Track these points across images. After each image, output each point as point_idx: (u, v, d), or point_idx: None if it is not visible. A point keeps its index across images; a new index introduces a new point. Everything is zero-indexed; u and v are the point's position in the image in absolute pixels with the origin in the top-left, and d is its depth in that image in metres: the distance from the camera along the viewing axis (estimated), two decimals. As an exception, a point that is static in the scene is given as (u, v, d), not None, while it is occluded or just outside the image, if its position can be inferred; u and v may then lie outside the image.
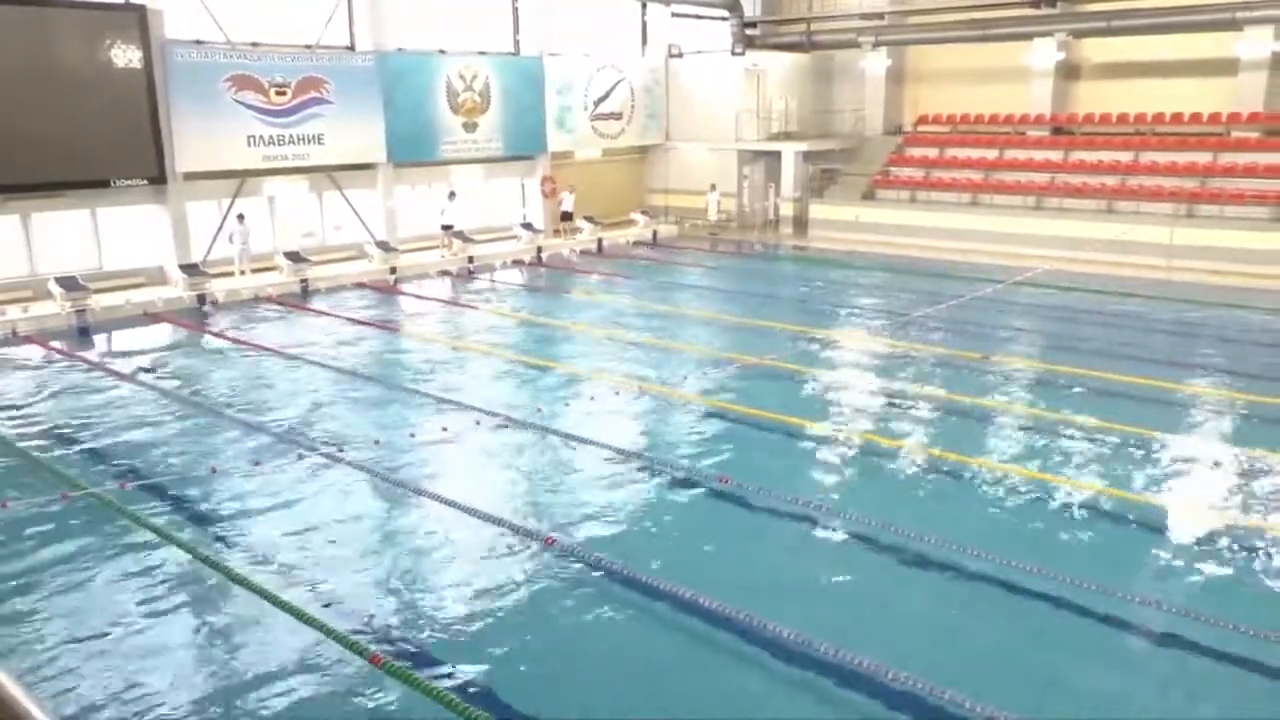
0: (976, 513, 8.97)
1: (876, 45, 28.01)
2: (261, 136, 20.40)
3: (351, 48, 22.09)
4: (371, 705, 6.05)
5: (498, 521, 8.57)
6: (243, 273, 20.08)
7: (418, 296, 19.57)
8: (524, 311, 18.33)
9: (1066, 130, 25.99)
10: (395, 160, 22.85)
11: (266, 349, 15.18)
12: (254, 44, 20.34)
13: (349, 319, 17.42)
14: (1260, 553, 8.06)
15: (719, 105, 28.35)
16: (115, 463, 10.28)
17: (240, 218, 20.20)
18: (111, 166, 18.51)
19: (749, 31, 28.18)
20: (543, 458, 10.52)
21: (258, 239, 20.70)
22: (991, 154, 26.18)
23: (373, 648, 6.53)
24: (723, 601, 6.98)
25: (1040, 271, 21.13)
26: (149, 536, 8.33)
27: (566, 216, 25.78)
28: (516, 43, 25.66)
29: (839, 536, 8.46)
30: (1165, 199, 22.39)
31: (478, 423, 11.40)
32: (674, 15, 28.62)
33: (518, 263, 23.52)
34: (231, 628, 6.98)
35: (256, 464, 10.07)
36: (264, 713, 6.00)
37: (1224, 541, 8.28)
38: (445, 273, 22.13)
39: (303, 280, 19.95)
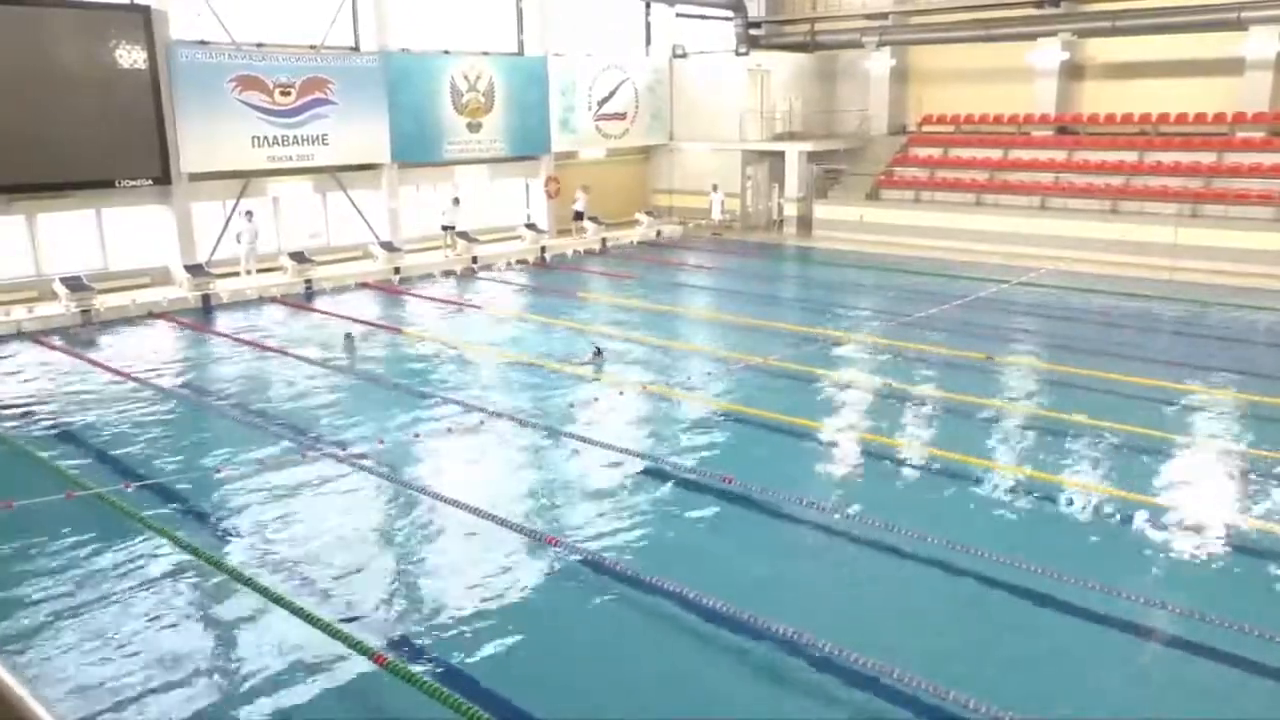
0: (980, 513, 8.95)
1: (880, 45, 27.99)
2: (266, 137, 20.43)
3: (356, 48, 22.12)
4: (375, 705, 6.06)
5: (501, 521, 8.57)
6: (249, 272, 20.10)
7: (422, 297, 19.59)
8: (527, 311, 18.33)
9: (1071, 130, 25.95)
10: (399, 161, 22.86)
11: (270, 349, 15.20)
12: (259, 44, 20.39)
13: (353, 319, 17.42)
14: (1264, 554, 8.05)
15: (723, 105, 28.36)
16: (119, 463, 10.30)
17: (248, 215, 20.23)
18: (116, 167, 18.54)
19: (753, 31, 28.15)
20: (546, 457, 10.53)
21: (263, 240, 20.74)
22: (996, 154, 26.14)
23: (376, 647, 6.54)
24: (726, 601, 6.98)
25: (1045, 271, 21.09)
26: (153, 537, 8.34)
27: (579, 216, 25.79)
28: (520, 43, 25.68)
29: (843, 537, 8.45)
30: (1170, 199, 22.35)
31: (481, 423, 11.41)
32: (678, 15, 28.61)
33: (522, 263, 23.54)
34: (235, 627, 6.99)
35: (260, 464, 10.09)
36: (267, 713, 6.00)
37: (1228, 542, 8.26)
38: (449, 273, 22.15)
39: (307, 281, 19.98)
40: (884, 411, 12.07)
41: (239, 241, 20.14)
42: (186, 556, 8.00)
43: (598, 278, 21.87)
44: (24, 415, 12.02)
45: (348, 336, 15.69)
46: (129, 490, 9.35)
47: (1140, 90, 24.90)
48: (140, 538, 8.35)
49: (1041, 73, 25.93)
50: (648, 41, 29.26)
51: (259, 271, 20.21)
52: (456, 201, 23.16)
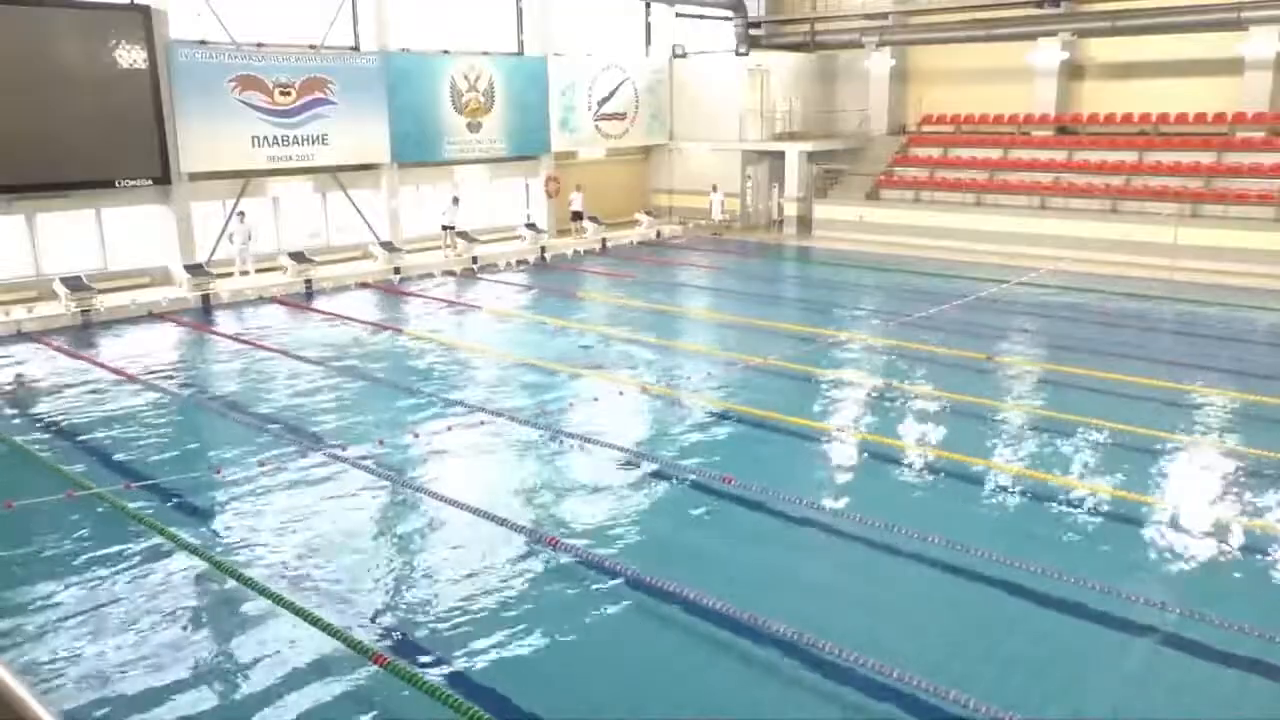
0: (980, 513, 8.96)
1: (880, 45, 28.01)
2: (266, 137, 20.43)
3: (356, 48, 22.12)
4: (375, 706, 6.06)
5: (501, 521, 8.57)
6: (245, 273, 20.11)
7: (422, 297, 19.59)
8: (528, 311, 18.34)
9: (1071, 130, 25.96)
10: (399, 160, 22.87)
11: (270, 349, 15.20)
12: (259, 44, 20.38)
13: (353, 319, 17.44)
14: (1264, 554, 8.05)
15: (723, 105, 28.36)
16: (120, 462, 10.30)
17: (240, 215, 20.22)
18: (116, 167, 18.54)
19: (753, 31, 28.15)
20: (546, 457, 10.52)
21: (263, 240, 20.77)
22: (996, 154, 26.15)
23: (376, 648, 6.54)
24: (725, 601, 6.98)
25: (1044, 271, 21.10)
26: (153, 536, 8.34)
27: (576, 216, 25.81)
28: (520, 43, 25.68)
29: (843, 537, 8.45)
30: (1170, 199, 22.35)
31: (481, 422, 11.41)
32: (678, 15, 28.61)
33: (522, 263, 23.54)
34: (235, 628, 6.99)
35: (260, 464, 10.09)
36: (267, 713, 6.00)
37: (1228, 542, 8.26)
38: (450, 273, 22.16)
39: (307, 280, 19.99)
40: (884, 411, 12.07)
41: (232, 242, 20.14)
42: (186, 556, 8.00)
43: (598, 278, 21.87)
44: (23, 415, 12.02)
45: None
46: (129, 490, 9.35)
47: (1140, 90, 24.91)
48: (140, 537, 8.36)
49: (1041, 72, 25.93)
50: (648, 41, 29.27)
51: (257, 271, 20.21)
52: (456, 201, 23.15)
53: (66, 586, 7.56)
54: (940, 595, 7.46)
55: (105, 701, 6.11)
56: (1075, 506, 9.00)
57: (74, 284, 17.24)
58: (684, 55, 29.55)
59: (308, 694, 6.17)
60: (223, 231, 20.44)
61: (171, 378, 13.78)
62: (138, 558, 8.02)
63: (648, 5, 28.29)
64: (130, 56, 18.38)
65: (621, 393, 12.64)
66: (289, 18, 21.06)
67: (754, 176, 29.12)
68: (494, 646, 6.72)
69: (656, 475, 9.85)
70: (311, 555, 8.12)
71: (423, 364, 14.37)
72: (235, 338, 16.11)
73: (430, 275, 21.77)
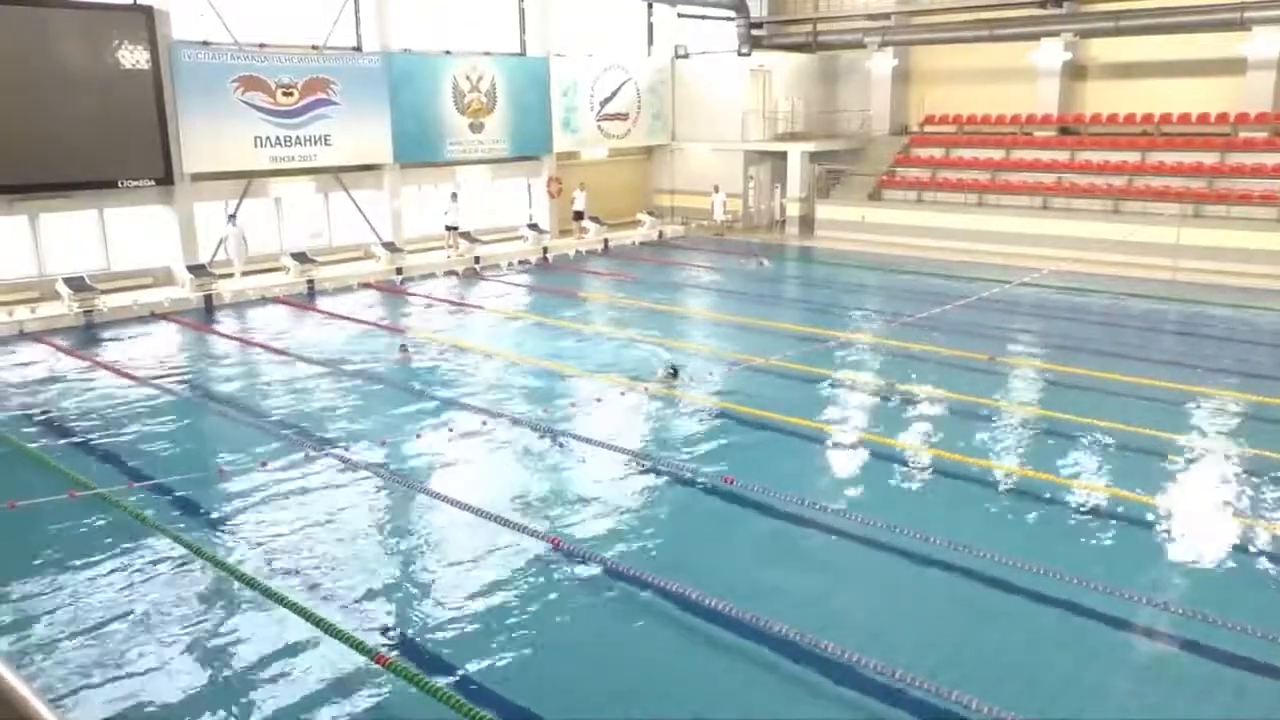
0: (982, 514, 8.95)
1: (882, 45, 28.01)
2: (268, 137, 20.45)
3: (358, 48, 22.15)
4: (376, 705, 6.07)
5: (503, 522, 8.59)
6: (238, 274, 20.07)
7: (424, 297, 19.61)
8: (530, 312, 18.35)
9: (1073, 130, 25.94)
10: (401, 161, 22.89)
11: (272, 349, 15.22)
12: (261, 45, 20.40)
13: (355, 319, 17.45)
14: (1265, 554, 8.05)
15: (725, 106, 28.35)
16: (122, 462, 10.32)
17: (231, 218, 20.21)
18: (119, 167, 18.57)
19: (755, 32, 28.16)
20: (548, 458, 10.53)
21: (266, 240, 20.75)
22: (998, 154, 26.12)
23: (378, 647, 6.55)
24: (726, 601, 6.98)
25: (1046, 272, 21.07)
26: (156, 536, 8.36)
27: (579, 215, 25.82)
28: (522, 43, 25.70)
29: (844, 537, 8.45)
30: (1172, 199, 22.32)
31: (483, 423, 11.42)
32: (680, 16, 28.63)
33: (524, 263, 23.56)
34: (237, 627, 7.00)
35: (263, 464, 10.10)
36: (269, 712, 6.02)
37: (1229, 542, 8.25)
38: (452, 273, 22.18)
39: (309, 281, 20.00)
40: (885, 412, 12.07)
41: (223, 245, 20.11)
42: (189, 556, 8.01)
43: (600, 278, 21.88)
44: (27, 415, 12.04)
45: (403, 348, 14.93)
46: (132, 490, 9.37)
47: (1143, 90, 24.89)
48: (143, 537, 8.37)
49: (1044, 73, 25.92)
50: (650, 42, 29.28)
51: (243, 274, 20.04)
52: (454, 196, 23.14)
53: (68, 586, 7.58)
54: (941, 595, 7.46)
55: (107, 701, 6.12)
56: (1077, 506, 9.00)
57: (77, 284, 17.28)
58: (686, 55, 29.56)
59: (309, 693, 6.18)
60: (220, 243, 20.34)
61: (174, 378, 13.80)
62: (140, 557, 8.03)
63: (650, 5, 28.30)
64: (133, 57, 18.41)
65: (623, 393, 12.65)
66: (291, 18, 21.09)
67: (756, 177, 29.12)
68: (495, 646, 6.73)
69: (658, 476, 9.86)
70: (314, 555, 8.13)
71: (425, 364, 14.38)
72: (237, 338, 16.13)
73: (432, 275, 21.79)
